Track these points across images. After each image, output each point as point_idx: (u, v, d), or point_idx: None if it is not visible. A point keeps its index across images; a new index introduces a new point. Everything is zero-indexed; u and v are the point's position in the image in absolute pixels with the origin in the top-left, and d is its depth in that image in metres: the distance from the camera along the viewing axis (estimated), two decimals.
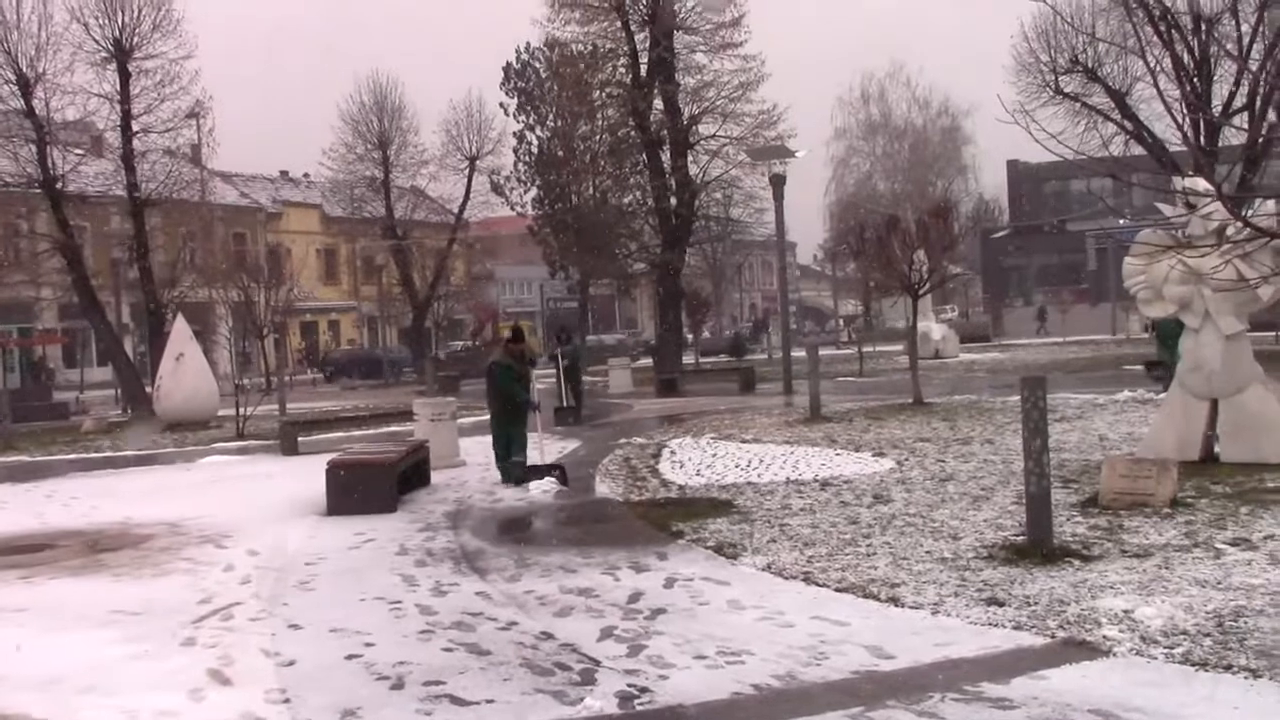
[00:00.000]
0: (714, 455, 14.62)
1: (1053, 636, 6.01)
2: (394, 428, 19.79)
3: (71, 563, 9.64)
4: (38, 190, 28.34)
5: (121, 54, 27.97)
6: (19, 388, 40.49)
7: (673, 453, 15.15)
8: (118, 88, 28.16)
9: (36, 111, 27.02)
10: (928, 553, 8.13)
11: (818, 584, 7.45)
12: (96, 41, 27.69)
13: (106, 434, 23.96)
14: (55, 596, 8.34)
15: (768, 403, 23.48)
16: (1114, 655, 5.66)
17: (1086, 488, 10.34)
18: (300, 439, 18.33)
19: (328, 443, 18.81)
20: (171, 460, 18.54)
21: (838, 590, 7.26)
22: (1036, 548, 7.82)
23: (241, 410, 21.36)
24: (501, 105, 44.64)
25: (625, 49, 34.15)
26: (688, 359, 39.86)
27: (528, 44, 43.87)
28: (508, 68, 44.20)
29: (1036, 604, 6.60)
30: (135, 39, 28.12)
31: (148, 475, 16.48)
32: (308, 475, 14.30)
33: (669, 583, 7.75)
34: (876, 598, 7.01)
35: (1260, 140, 27.54)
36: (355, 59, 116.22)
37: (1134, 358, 30.79)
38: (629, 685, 5.57)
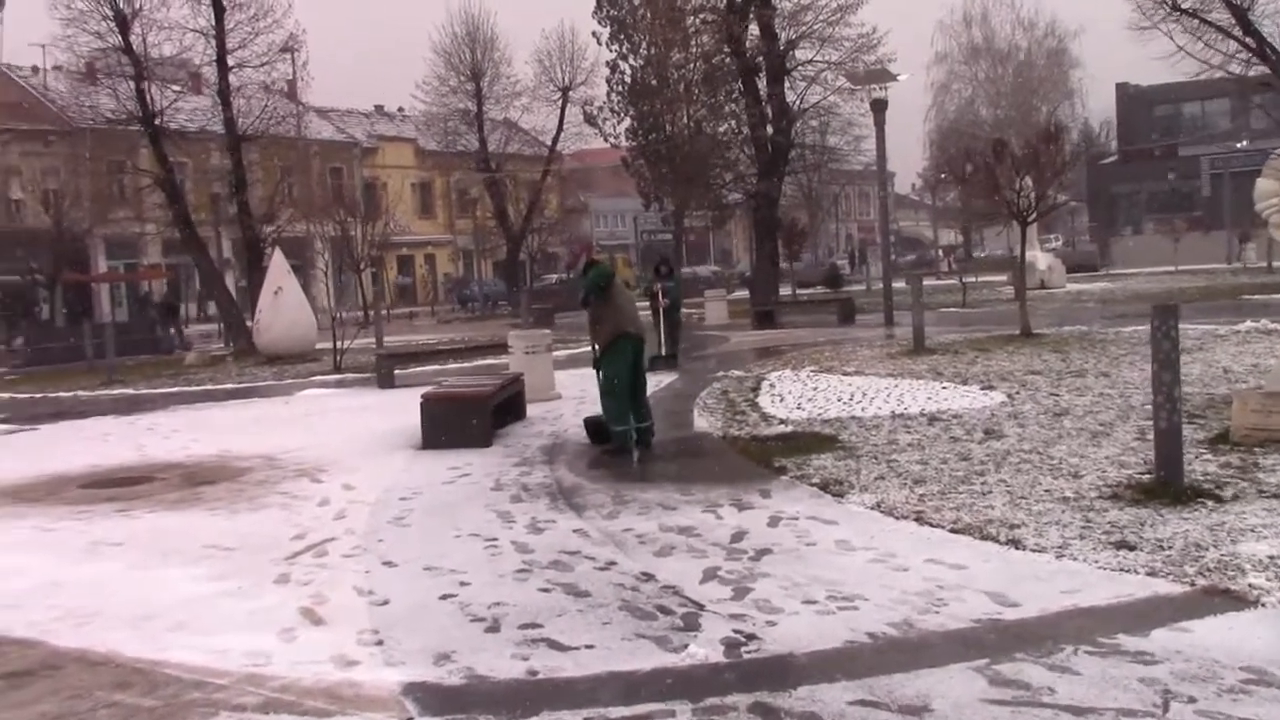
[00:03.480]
0: (815, 388, 14.21)
1: (1192, 584, 5.55)
2: (489, 360, 19.70)
3: (169, 496, 9.62)
4: (137, 128, 28.66)
5: None
6: (126, 321, 41.41)
7: (772, 386, 14.78)
8: (213, 22, 28.22)
9: (134, 48, 27.22)
10: (1047, 491, 7.68)
11: (931, 524, 7.06)
12: None
13: (208, 367, 24.31)
14: (151, 530, 8.30)
15: (868, 334, 22.93)
16: (1262, 606, 5.20)
17: (1213, 423, 9.75)
18: (396, 372, 18.31)
19: (423, 375, 18.81)
20: (270, 393, 18.67)
21: (953, 531, 6.87)
22: (1166, 487, 7.33)
23: (339, 343, 21.44)
24: (594, 34, 43.92)
25: None
26: (784, 290, 39.25)
27: None
28: None
29: (1171, 548, 6.14)
30: None
31: (246, 408, 16.57)
32: (403, 408, 14.24)
33: (773, 521, 7.42)
34: (995, 539, 6.60)
35: None
36: None
37: (1251, 287, 29.57)
38: (735, 631, 5.27)
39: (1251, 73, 30.95)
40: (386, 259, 53.98)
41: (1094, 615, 5.23)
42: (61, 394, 20.43)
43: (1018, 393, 12.54)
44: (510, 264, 51.08)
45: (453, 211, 66.26)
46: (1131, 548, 6.21)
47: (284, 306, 24.29)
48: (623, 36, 42.78)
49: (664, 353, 18.10)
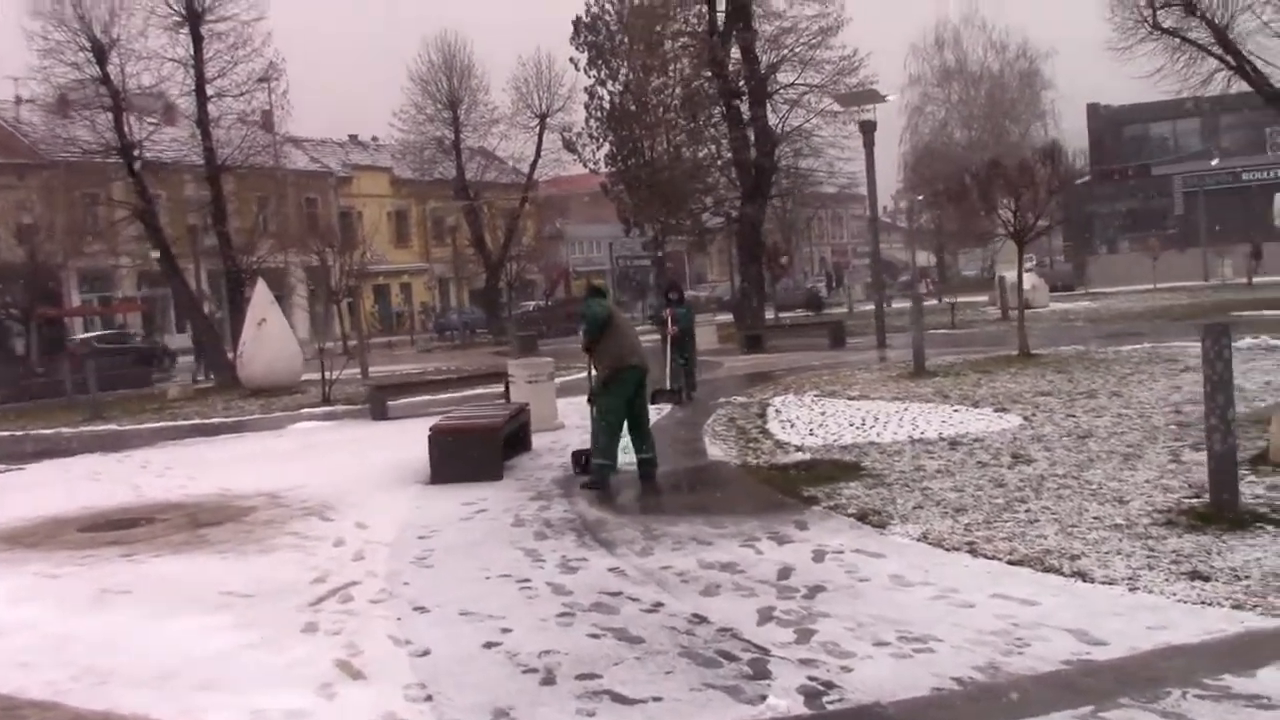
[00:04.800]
0: (822, 413, 13.94)
1: None
2: (480, 390, 19.33)
3: (173, 538, 9.22)
4: (114, 160, 28.18)
5: (194, 17, 27.56)
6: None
7: (778, 411, 14.49)
8: (191, 52, 27.81)
9: (112, 78, 26.79)
10: (1096, 519, 7.40)
11: (986, 556, 6.77)
12: (169, 5, 27.33)
13: (191, 401, 23.80)
14: (160, 576, 7.90)
15: (862, 358, 22.69)
16: None
17: (1245, 443, 9.47)
18: (388, 403, 17.91)
19: (416, 406, 18.45)
20: (259, 427, 18.22)
21: (1010, 563, 6.58)
22: (1223, 512, 7.07)
23: (327, 374, 21.00)
24: (572, 60, 43.63)
25: None
26: (766, 314, 39.09)
27: None
28: (577, 21, 43.09)
29: (1247, 578, 5.88)
30: (207, 2, 27.70)
31: (239, 443, 16.14)
32: (402, 441, 13.96)
33: (818, 556, 7.11)
34: (1059, 571, 6.32)
35: None
36: (422, 19, 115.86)
37: (1236, 303, 29.54)
38: (810, 679, 4.95)
39: (1232, 90, 31.08)
40: (363, 288, 53.46)
41: (1189, 654, 4.95)
42: (43, 430, 19.86)
43: (1033, 415, 12.30)
44: (489, 292, 50.69)
45: (428, 240, 65.86)
46: (1206, 578, 5.94)
47: (268, 338, 23.80)
48: (601, 62, 42.54)
49: (670, 386, 16.60)
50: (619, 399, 10.28)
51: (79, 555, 8.74)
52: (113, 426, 19.45)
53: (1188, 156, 59.52)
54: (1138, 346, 19.30)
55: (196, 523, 9.85)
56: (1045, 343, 21.67)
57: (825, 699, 4.73)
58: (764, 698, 4.76)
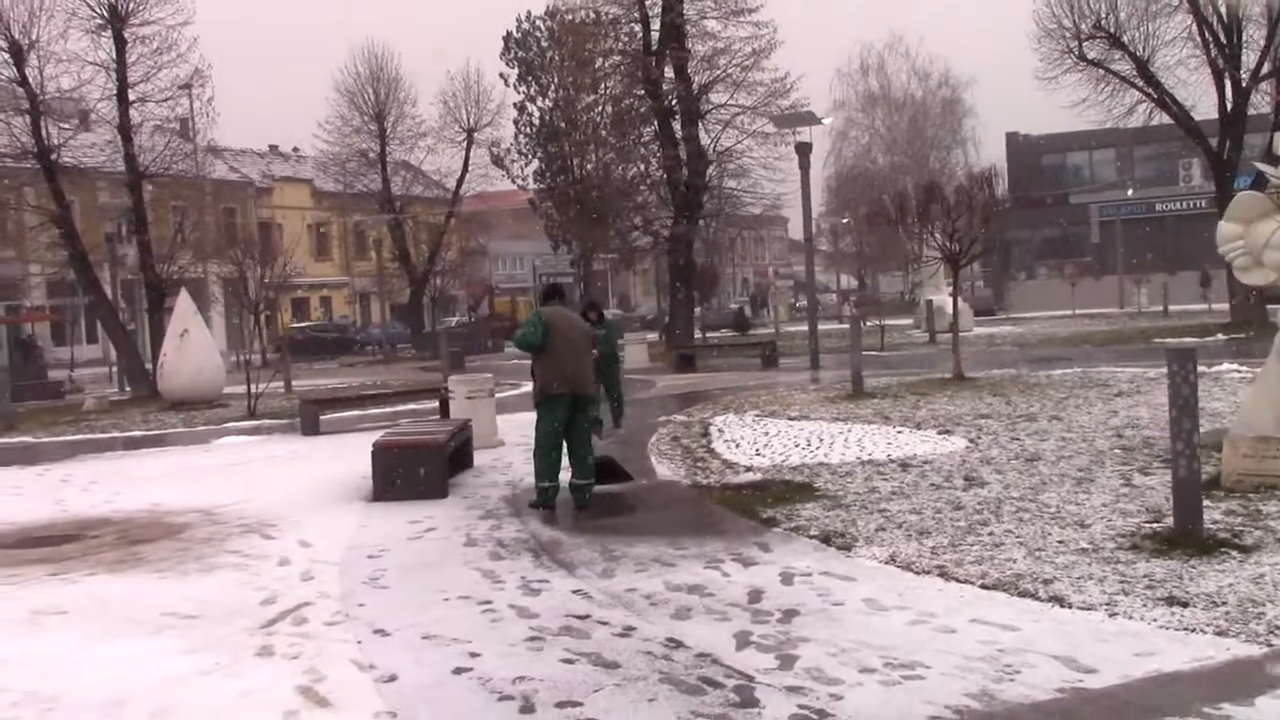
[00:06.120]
0: (766, 433, 13.85)
1: (1268, 645, 5.24)
2: (413, 405, 19.04)
3: (106, 556, 8.80)
4: (29, 165, 27.26)
5: (117, 20, 26.85)
6: (8, 366, 39.37)
7: (720, 431, 14.38)
8: (113, 55, 27.08)
9: (30, 80, 25.99)
10: (1061, 543, 7.36)
11: (958, 580, 6.68)
12: (91, 7, 26.59)
13: (108, 413, 23.09)
14: (96, 596, 7.50)
15: (797, 378, 22.70)
16: None
17: None
18: (320, 417, 17.50)
19: (346, 421, 18.11)
20: (183, 441, 17.66)
21: (983, 587, 6.49)
22: (1187, 536, 7.07)
23: (253, 387, 20.48)
24: (501, 76, 43.43)
25: (636, 14, 33.20)
26: (695, 334, 39.10)
27: (528, 13, 42.74)
28: (508, 37, 42.90)
29: (1225, 603, 5.85)
30: (131, 4, 26.99)
31: (163, 457, 15.58)
32: (336, 456, 13.72)
33: (786, 578, 6.97)
34: (1035, 596, 6.24)
35: None
36: (350, 29, 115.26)
37: (1155, 331, 30.15)
38: (801, 708, 4.79)
39: (1154, 122, 31.86)
40: (281, 301, 52.50)
41: (1182, 681, 4.88)
42: None
43: (978, 438, 12.32)
44: (413, 307, 50.12)
45: (349, 253, 64.96)
46: (1184, 604, 5.89)
47: (190, 350, 23.21)
48: (531, 78, 42.39)
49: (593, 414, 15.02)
50: (549, 423, 9.94)
51: (5, 574, 8.28)
52: (28, 439, 18.79)
53: (1104, 186, 60.92)
54: (1069, 371, 19.55)
55: (129, 540, 9.43)
56: (976, 366, 21.82)
57: None
58: None
